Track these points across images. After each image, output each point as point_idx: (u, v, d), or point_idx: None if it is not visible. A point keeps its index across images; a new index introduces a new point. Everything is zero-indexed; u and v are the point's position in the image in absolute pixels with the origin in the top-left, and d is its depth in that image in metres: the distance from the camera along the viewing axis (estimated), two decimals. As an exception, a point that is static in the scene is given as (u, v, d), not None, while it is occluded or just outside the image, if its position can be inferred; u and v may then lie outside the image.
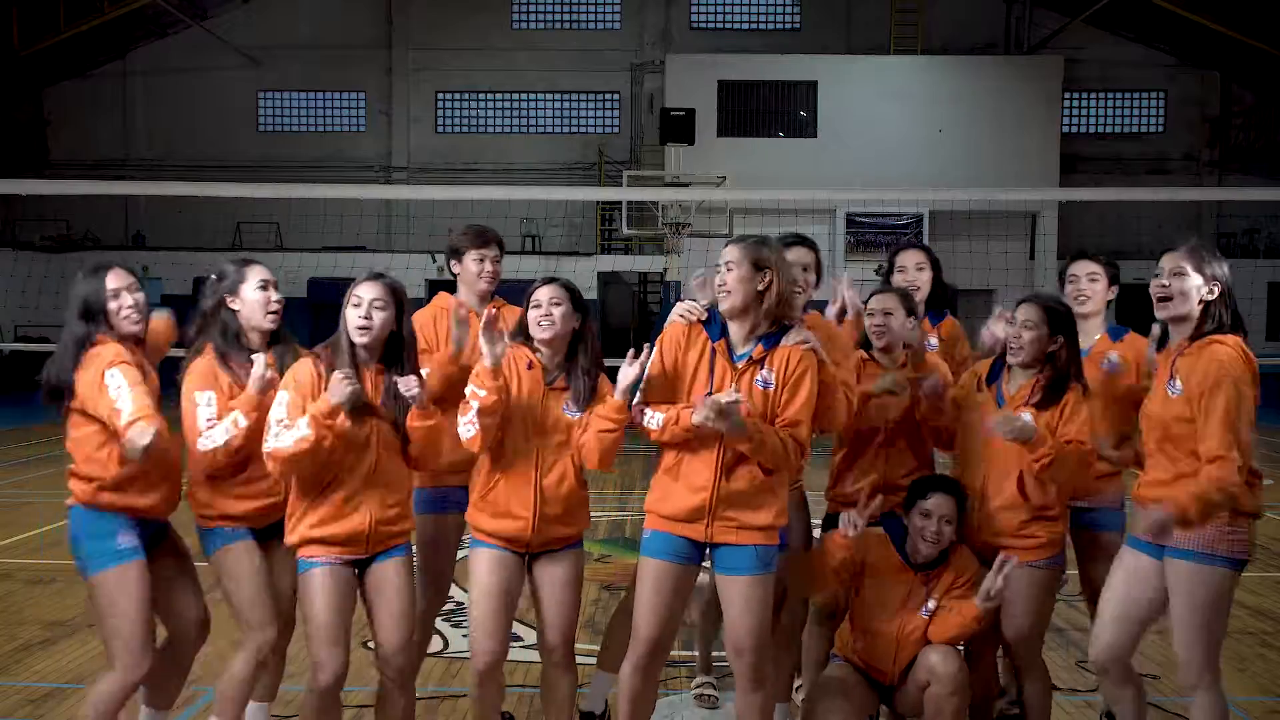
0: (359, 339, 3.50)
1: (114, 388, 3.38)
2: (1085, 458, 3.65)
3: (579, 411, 3.61)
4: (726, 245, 3.49)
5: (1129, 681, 3.64)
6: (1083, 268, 4.20)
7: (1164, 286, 3.40)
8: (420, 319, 4.02)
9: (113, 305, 3.59)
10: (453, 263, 4.31)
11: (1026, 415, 3.66)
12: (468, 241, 4.26)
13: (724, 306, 3.45)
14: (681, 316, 3.53)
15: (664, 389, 3.47)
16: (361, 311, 3.48)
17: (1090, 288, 4.17)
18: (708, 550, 3.53)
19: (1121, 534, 3.93)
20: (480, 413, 3.45)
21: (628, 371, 3.43)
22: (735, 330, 3.49)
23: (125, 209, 25.38)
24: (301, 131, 27.02)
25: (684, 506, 3.45)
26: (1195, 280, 3.38)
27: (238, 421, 3.53)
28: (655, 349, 3.49)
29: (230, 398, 3.60)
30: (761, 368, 3.44)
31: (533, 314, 3.61)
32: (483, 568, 3.64)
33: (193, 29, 25.59)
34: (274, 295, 3.72)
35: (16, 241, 23.86)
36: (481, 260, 4.24)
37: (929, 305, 4.36)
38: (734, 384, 3.39)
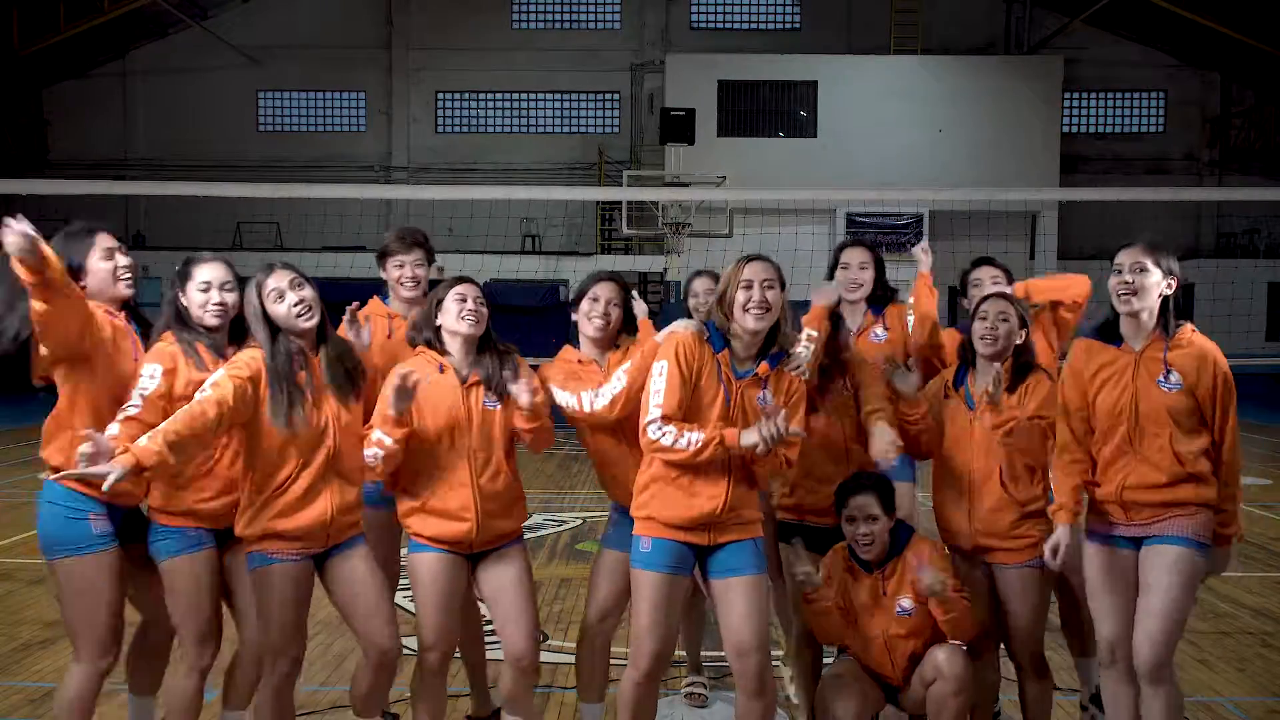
0: (306, 324, 3.48)
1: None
2: (1045, 429, 3.74)
3: (499, 403, 3.64)
4: (760, 262, 3.45)
5: (1133, 680, 3.60)
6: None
7: (1127, 283, 3.49)
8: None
9: (106, 265, 3.56)
10: (381, 269, 4.23)
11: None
12: (390, 246, 4.19)
13: (764, 324, 3.42)
14: (689, 330, 3.50)
15: (684, 402, 3.41)
16: (292, 299, 3.46)
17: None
18: (697, 559, 3.53)
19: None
20: (386, 458, 3.49)
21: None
22: (740, 346, 3.48)
23: (125, 209, 25.36)
24: (301, 131, 26.99)
25: (692, 514, 3.44)
26: (1155, 275, 3.48)
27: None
28: (671, 362, 3.41)
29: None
30: (763, 387, 3.46)
31: (456, 308, 3.61)
32: (427, 572, 3.63)
33: (193, 29, 25.58)
34: (214, 296, 3.57)
35: (16, 241, 23.82)
36: (401, 267, 4.16)
37: (870, 302, 4.50)
38: (738, 398, 3.43)
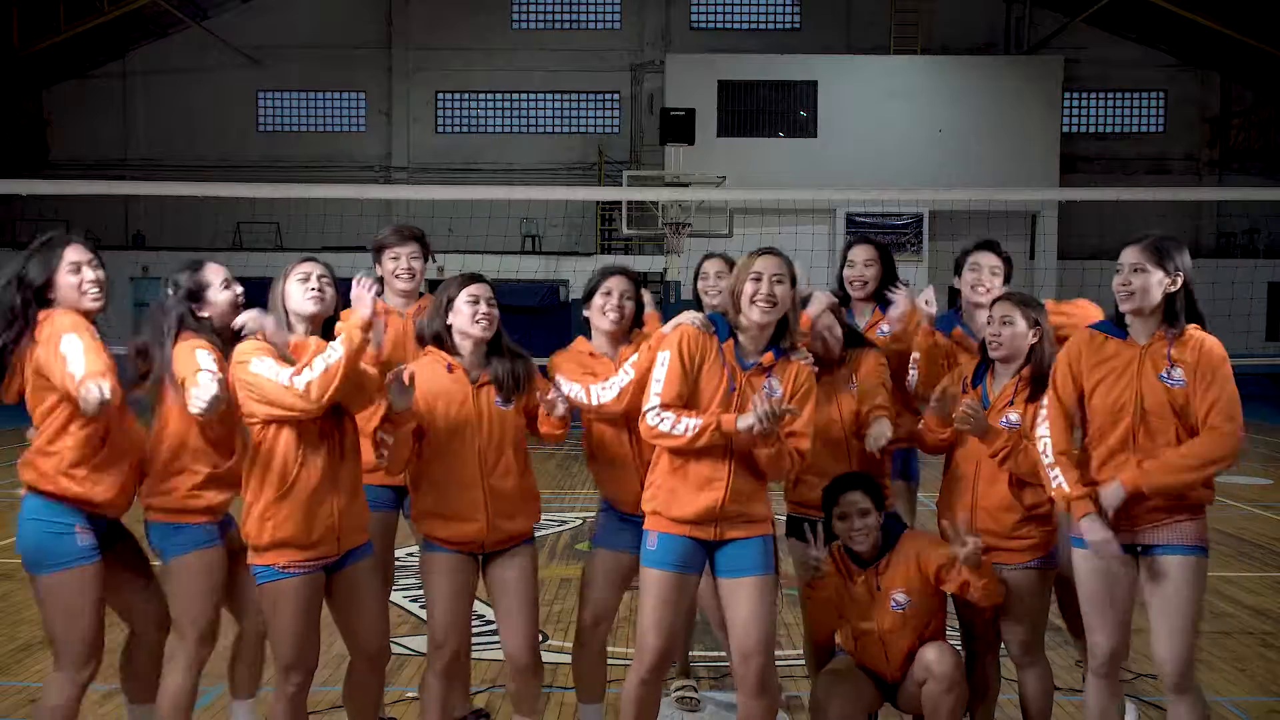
0: (311, 309, 3.46)
1: (71, 351, 3.25)
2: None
3: (509, 403, 3.63)
4: (772, 257, 3.45)
5: (1119, 693, 3.59)
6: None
7: (1125, 284, 3.45)
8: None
9: (72, 279, 3.44)
10: (376, 265, 4.25)
11: (1014, 415, 3.77)
12: (385, 239, 4.22)
13: (770, 317, 3.42)
14: (694, 323, 3.50)
15: (684, 393, 3.42)
16: (312, 285, 3.48)
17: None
18: (707, 558, 3.53)
19: None
20: (390, 457, 3.48)
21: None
22: (747, 339, 3.48)
23: (125, 209, 25.36)
24: (301, 131, 27.00)
25: (696, 508, 3.43)
26: (1156, 275, 3.42)
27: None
28: (673, 352, 3.43)
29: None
30: (769, 376, 3.45)
31: (469, 310, 3.59)
32: (440, 571, 3.64)
33: (193, 29, 25.59)
34: (238, 289, 3.68)
35: (16, 241, 23.80)
36: (397, 259, 4.20)
37: (877, 298, 4.50)
38: (743, 387, 3.41)
